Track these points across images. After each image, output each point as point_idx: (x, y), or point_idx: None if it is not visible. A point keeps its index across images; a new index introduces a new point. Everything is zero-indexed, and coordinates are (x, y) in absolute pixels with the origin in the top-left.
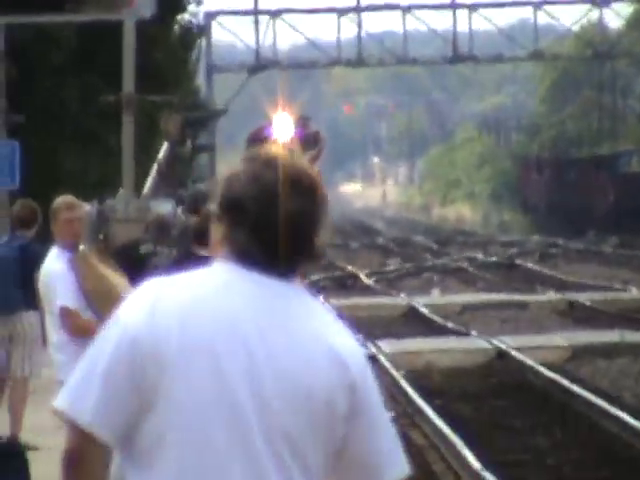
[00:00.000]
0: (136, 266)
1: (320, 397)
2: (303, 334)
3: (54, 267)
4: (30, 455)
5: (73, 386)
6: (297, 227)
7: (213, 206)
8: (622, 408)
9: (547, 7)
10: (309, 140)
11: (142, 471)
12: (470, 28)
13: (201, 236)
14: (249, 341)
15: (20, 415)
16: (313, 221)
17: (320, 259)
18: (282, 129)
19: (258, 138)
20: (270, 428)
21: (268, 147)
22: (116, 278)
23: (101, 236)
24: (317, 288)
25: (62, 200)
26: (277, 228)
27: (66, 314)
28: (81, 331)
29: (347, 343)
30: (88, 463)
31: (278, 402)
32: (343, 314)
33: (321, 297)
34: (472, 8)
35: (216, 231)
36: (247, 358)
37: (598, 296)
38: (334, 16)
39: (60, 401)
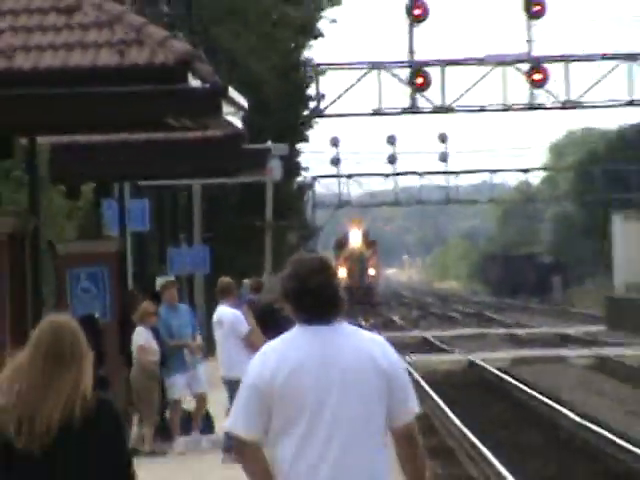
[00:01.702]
0: (272, 317)
1: (369, 383)
2: (349, 349)
3: (238, 315)
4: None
5: (233, 415)
6: (327, 294)
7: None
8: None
9: None
10: (369, 243)
11: (276, 443)
12: None
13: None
14: (321, 364)
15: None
16: (333, 289)
17: (344, 309)
18: (354, 237)
19: (341, 242)
20: (345, 411)
21: (349, 246)
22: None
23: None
24: (373, 326)
25: (230, 281)
26: (316, 300)
27: (250, 337)
28: (254, 346)
29: (379, 349)
30: (249, 455)
31: (348, 391)
32: (389, 341)
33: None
34: None
35: (287, 307)
36: (324, 374)
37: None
38: None
39: (228, 424)
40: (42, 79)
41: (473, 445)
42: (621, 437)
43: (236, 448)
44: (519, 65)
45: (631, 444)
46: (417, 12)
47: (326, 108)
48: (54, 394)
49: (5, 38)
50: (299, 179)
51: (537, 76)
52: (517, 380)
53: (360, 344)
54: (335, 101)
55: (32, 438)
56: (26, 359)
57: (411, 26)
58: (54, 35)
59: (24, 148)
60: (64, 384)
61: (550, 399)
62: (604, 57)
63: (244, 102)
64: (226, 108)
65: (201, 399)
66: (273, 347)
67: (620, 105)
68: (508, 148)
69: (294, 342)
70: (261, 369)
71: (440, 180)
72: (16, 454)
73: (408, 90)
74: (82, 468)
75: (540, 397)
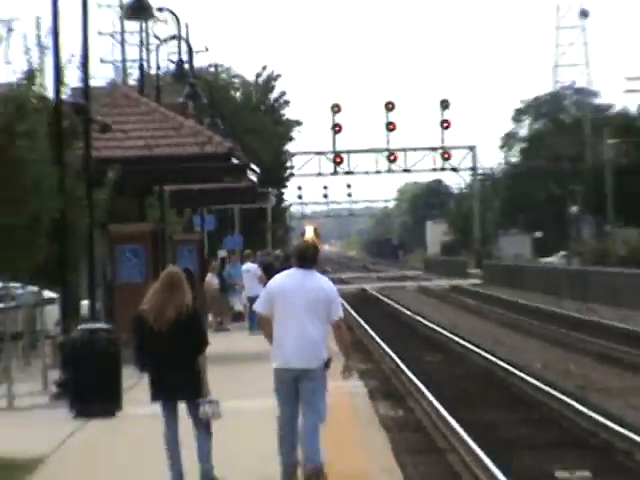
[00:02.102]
0: (270, 269)
1: (320, 300)
2: (314, 283)
3: (255, 266)
4: None
5: (257, 303)
6: (311, 255)
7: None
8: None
9: None
10: (316, 234)
11: (274, 321)
12: None
13: (266, 271)
14: (300, 286)
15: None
16: (315, 254)
17: (317, 264)
18: (309, 231)
19: (303, 233)
20: (307, 308)
21: (305, 236)
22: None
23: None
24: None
25: (250, 252)
26: (306, 257)
27: (260, 277)
28: (262, 282)
29: (327, 285)
30: (264, 322)
31: (309, 301)
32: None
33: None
34: None
35: (292, 260)
36: (300, 290)
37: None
38: None
39: (255, 307)
40: (166, 160)
41: (363, 327)
42: (431, 322)
43: (259, 319)
44: (384, 153)
45: (436, 325)
46: (337, 129)
47: (296, 172)
48: (171, 304)
49: (149, 140)
50: (283, 205)
51: (392, 157)
52: (383, 297)
53: (318, 281)
54: (300, 169)
55: (161, 324)
56: (157, 286)
57: (334, 134)
58: (170, 139)
59: (157, 191)
60: (176, 299)
61: (397, 304)
62: (423, 148)
63: (257, 169)
64: (249, 173)
65: (244, 307)
66: (280, 276)
67: (429, 171)
68: (378, 191)
69: (289, 275)
70: (272, 285)
71: (347, 205)
72: (153, 332)
73: (332, 164)
74: (186, 339)
75: (393, 304)
